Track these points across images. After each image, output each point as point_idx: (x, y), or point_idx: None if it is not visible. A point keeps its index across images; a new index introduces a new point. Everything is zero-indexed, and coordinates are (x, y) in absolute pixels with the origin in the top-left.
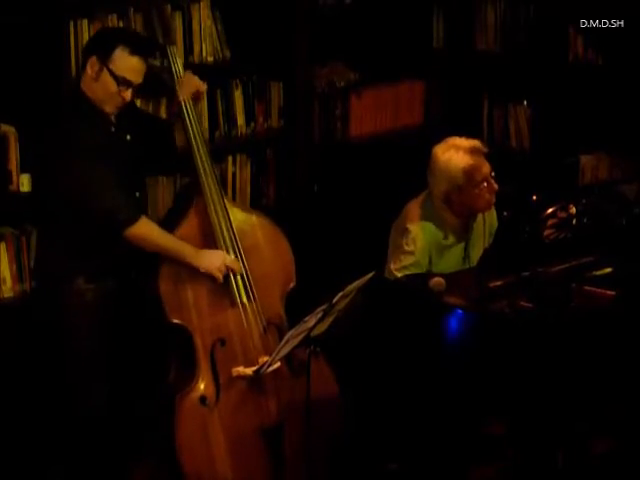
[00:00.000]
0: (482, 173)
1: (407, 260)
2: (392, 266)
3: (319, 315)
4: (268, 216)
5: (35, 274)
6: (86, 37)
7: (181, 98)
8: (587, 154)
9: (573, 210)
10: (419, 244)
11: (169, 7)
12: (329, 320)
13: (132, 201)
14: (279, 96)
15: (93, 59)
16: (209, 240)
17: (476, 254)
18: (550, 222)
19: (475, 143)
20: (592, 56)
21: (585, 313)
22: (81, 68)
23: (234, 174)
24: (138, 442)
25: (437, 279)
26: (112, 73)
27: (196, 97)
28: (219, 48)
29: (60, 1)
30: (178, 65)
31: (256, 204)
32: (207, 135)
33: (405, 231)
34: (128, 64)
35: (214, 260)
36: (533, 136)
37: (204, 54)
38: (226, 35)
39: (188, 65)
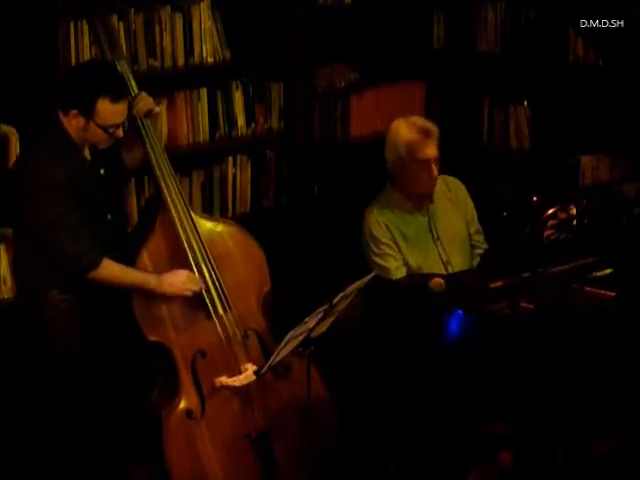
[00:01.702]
0: (424, 153)
1: (376, 249)
2: (374, 259)
3: (319, 316)
4: (235, 222)
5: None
6: (86, 38)
7: (135, 114)
8: (587, 155)
9: (573, 211)
10: (370, 221)
11: (169, 9)
12: (329, 321)
13: (94, 243)
14: (279, 97)
15: (75, 113)
16: (178, 254)
17: (448, 234)
18: (550, 223)
19: (429, 125)
20: (592, 57)
21: (585, 314)
22: (60, 108)
23: (234, 175)
24: (127, 455)
25: (437, 279)
26: (100, 126)
27: (149, 115)
28: (219, 49)
29: (61, 2)
30: (131, 80)
31: (256, 205)
32: (207, 136)
33: (363, 220)
34: (112, 113)
35: (177, 283)
36: (533, 137)
37: (204, 55)
38: (226, 36)
39: (188, 66)
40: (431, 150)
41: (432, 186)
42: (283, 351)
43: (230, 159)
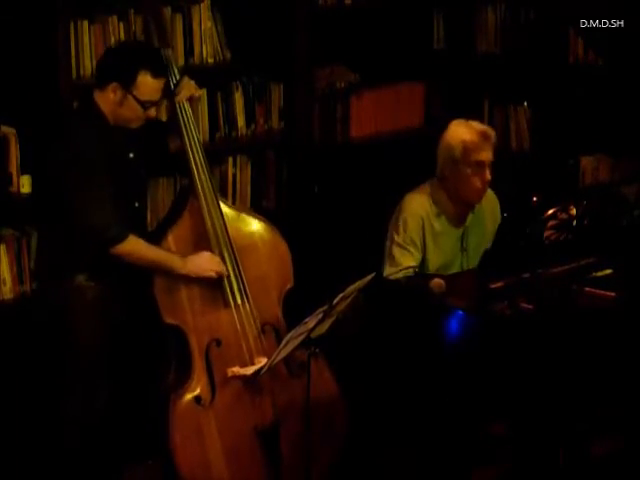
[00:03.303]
0: (479, 155)
1: (401, 238)
2: (390, 245)
3: (319, 316)
4: (267, 218)
5: (36, 272)
6: (86, 38)
7: (176, 100)
8: (587, 155)
9: (573, 211)
10: (408, 211)
11: (169, 9)
12: (329, 321)
13: (122, 219)
14: (279, 97)
15: (115, 85)
16: (203, 241)
17: (475, 247)
18: (550, 223)
19: (488, 129)
20: (592, 57)
21: (585, 314)
22: (96, 85)
23: (234, 175)
24: (135, 442)
25: (437, 280)
26: (137, 99)
27: (191, 100)
28: (219, 49)
29: (61, 2)
30: (174, 67)
31: (256, 206)
32: (207, 137)
33: (400, 205)
34: (152, 88)
35: (202, 264)
36: (533, 137)
37: (204, 55)
38: (226, 36)
39: (188, 67)
40: (487, 154)
41: (482, 193)
42: (283, 351)
43: (230, 159)
